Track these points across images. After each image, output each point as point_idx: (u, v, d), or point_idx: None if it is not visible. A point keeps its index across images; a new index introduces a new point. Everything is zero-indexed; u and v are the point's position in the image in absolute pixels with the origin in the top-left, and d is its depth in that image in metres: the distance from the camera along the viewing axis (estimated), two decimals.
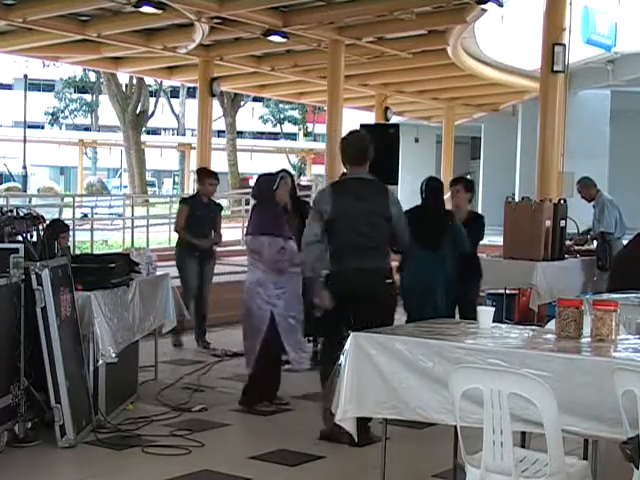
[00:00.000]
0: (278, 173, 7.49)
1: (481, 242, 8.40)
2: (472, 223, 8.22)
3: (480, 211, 8.56)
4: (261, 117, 55.28)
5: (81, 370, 6.23)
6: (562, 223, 9.88)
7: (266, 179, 7.38)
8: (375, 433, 5.73)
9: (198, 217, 9.70)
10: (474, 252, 8.32)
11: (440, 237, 7.68)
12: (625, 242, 9.94)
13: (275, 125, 55.88)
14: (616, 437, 3.91)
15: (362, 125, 11.87)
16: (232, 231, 18.44)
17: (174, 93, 50.84)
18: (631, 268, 7.85)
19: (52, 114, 55.49)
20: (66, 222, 9.51)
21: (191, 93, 41.56)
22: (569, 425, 4.05)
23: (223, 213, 11.04)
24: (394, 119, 23.48)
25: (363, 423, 5.44)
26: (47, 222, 6.74)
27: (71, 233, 12.29)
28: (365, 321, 5.63)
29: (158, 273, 8.08)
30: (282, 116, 54.81)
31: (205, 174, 10.12)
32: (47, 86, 57.19)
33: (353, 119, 22.26)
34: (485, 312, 5.03)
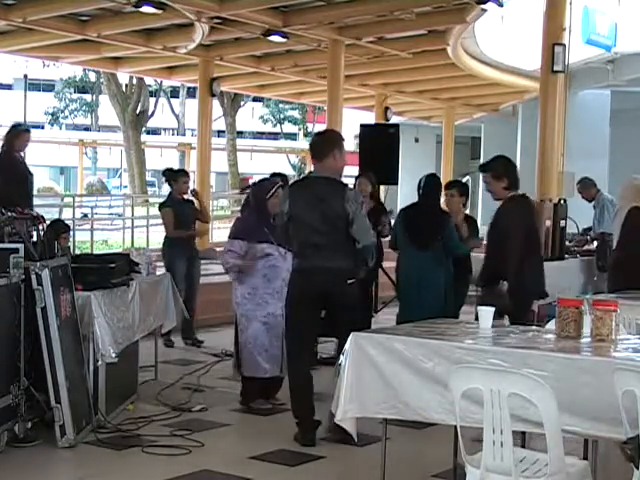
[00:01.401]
0: (275, 176, 7.46)
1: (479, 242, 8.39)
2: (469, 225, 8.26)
3: (480, 211, 8.54)
4: (261, 117, 55.23)
5: (81, 370, 6.23)
6: (562, 223, 9.89)
7: (261, 186, 7.39)
8: (374, 433, 5.72)
9: (182, 215, 9.94)
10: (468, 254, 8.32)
11: (433, 236, 7.59)
12: None
13: (275, 125, 55.82)
14: (616, 437, 3.92)
15: (362, 125, 11.87)
16: None
17: (174, 93, 50.82)
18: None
19: (52, 114, 55.43)
20: (66, 222, 9.54)
21: (191, 93, 41.52)
22: (569, 425, 4.06)
23: (222, 213, 11.30)
24: (394, 119, 23.42)
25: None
26: (47, 222, 6.75)
27: (71, 233, 12.30)
28: (328, 321, 5.64)
29: (158, 273, 8.09)
30: (282, 116, 54.75)
31: (180, 173, 10.39)
32: (47, 86, 57.15)
33: (353, 119, 22.25)
34: (485, 312, 5.03)
